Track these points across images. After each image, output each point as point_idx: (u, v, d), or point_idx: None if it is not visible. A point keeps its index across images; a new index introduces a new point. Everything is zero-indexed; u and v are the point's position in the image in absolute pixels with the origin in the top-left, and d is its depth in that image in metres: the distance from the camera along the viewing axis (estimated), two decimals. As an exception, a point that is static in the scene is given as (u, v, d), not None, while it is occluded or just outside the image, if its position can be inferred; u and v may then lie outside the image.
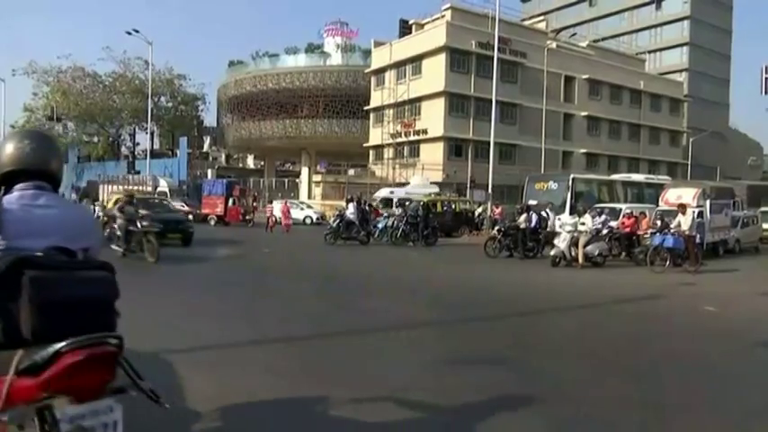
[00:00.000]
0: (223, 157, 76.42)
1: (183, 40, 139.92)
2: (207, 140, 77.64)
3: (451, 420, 4.12)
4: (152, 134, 57.36)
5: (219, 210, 29.66)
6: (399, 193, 29.57)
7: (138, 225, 12.89)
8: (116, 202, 18.68)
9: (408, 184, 35.20)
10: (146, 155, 51.23)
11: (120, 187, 38.33)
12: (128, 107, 57.93)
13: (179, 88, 61.46)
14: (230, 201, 30.58)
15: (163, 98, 60.97)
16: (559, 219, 16.24)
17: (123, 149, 65.19)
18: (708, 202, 17.41)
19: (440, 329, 7.43)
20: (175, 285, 10.50)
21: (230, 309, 8.16)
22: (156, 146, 65.12)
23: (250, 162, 77.72)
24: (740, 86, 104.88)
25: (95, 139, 63.77)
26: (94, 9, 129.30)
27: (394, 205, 25.76)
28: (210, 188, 32.68)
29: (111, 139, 62.88)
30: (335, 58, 52.45)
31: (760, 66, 26.22)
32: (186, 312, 7.76)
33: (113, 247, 12.96)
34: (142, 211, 13.98)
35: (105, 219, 17.99)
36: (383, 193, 29.57)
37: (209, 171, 57.89)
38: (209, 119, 71.12)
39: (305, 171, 54.02)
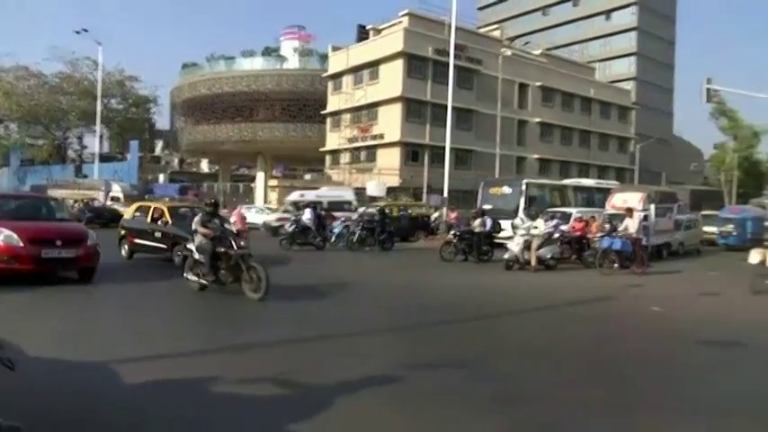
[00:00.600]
0: (176, 161, 74.79)
1: (136, 43, 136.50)
2: (159, 144, 75.89)
3: (414, 423, 4.14)
4: (101, 137, 55.77)
5: (173, 215, 28.85)
6: (310, 195, 29.10)
7: (234, 245, 9.18)
8: (138, 210, 15.52)
9: (364, 188, 35.24)
10: (94, 158, 49.69)
11: (71, 191, 37.10)
12: (75, 109, 56.07)
13: (130, 90, 59.88)
14: (184, 206, 29.91)
15: (113, 100, 59.28)
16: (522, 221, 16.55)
17: (70, 153, 63.06)
18: (652, 206, 18.06)
19: (399, 333, 7.46)
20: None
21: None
22: (106, 149, 63.28)
23: (204, 166, 76.33)
24: (683, 95, 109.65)
25: (40, 142, 61.45)
26: (44, 8, 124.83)
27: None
28: (163, 193, 31.96)
29: (56, 141, 60.70)
30: (293, 62, 52.11)
31: (701, 76, 27.45)
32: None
33: (189, 277, 9.70)
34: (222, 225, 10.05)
35: (122, 232, 15.05)
36: (294, 196, 29.28)
37: (162, 175, 56.63)
38: (162, 122, 69.60)
39: (260, 176, 53.38)
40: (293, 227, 19.65)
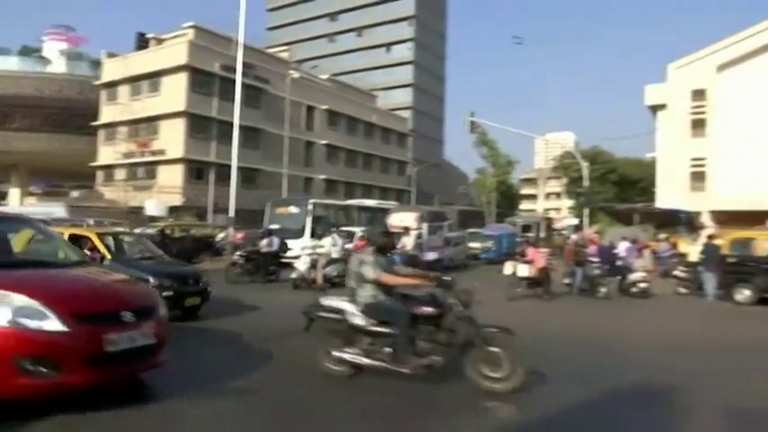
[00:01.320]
0: None
1: None
2: None
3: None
4: None
5: None
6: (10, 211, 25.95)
7: (457, 303, 5.89)
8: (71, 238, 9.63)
9: (143, 207, 32.77)
10: None
11: None
12: None
13: None
14: None
15: None
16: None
17: None
18: (425, 224, 19.77)
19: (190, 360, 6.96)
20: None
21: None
22: None
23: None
24: (451, 125, 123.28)
25: None
26: None
27: None
28: None
29: None
30: (58, 66, 46.71)
31: (466, 109, 31.06)
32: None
33: (345, 357, 5.93)
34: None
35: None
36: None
37: None
38: None
39: (15, 192, 46.48)
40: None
